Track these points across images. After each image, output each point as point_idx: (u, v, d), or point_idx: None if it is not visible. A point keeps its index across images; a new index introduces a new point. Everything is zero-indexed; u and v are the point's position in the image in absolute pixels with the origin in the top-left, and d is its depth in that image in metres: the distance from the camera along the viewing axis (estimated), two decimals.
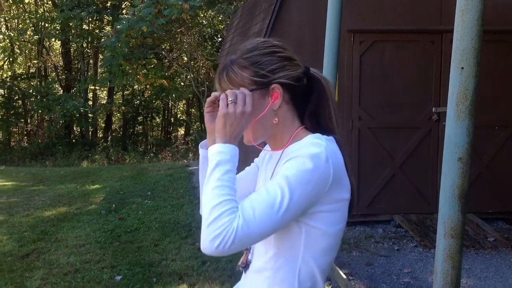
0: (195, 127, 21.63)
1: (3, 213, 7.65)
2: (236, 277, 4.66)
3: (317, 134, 1.45)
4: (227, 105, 1.40)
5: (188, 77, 16.63)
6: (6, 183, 10.98)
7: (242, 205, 1.32)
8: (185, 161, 14.59)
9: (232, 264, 5.01)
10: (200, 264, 5.11)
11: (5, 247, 5.89)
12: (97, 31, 21.31)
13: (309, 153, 1.34)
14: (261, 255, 1.48)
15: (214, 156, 1.37)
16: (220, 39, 17.83)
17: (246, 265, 1.56)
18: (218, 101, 1.44)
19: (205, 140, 1.63)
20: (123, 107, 22.19)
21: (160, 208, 7.55)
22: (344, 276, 4.46)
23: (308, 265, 1.43)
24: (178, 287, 4.54)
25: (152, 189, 9.10)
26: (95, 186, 9.93)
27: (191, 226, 6.44)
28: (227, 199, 1.32)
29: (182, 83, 18.82)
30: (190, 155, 16.42)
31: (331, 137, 1.47)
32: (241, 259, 1.57)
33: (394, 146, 6.28)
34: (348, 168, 1.46)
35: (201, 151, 1.66)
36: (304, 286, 1.43)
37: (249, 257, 1.55)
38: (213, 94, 1.53)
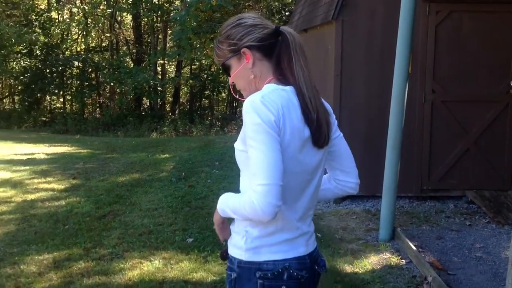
0: None
1: (80, 178, 8.05)
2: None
3: (271, 84, 1.75)
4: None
5: None
6: (82, 151, 11.52)
7: (243, 187, 1.77)
8: None
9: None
10: None
11: (83, 208, 6.22)
12: (167, 5, 21.65)
13: (248, 101, 1.66)
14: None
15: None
16: (287, 13, 17.70)
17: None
18: None
19: None
20: (190, 81, 22.55)
21: (228, 177, 7.70)
22: (414, 248, 4.42)
23: None
24: None
25: (220, 160, 9.28)
26: (165, 156, 10.24)
27: None
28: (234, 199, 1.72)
29: None
30: None
31: (288, 87, 1.73)
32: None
33: (469, 120, 6.09)
34: (309, 109, 1.70)
35: None
36: None
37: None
38: None
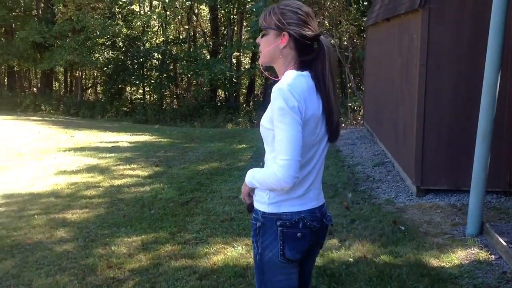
0: None
1: (162, 165, 8.32)
2: (388, 237, 4.66)
3: (292, 71, 2.10)
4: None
5: (332, 42, 16.46)
6: (162, 140, 11.90)
7: (267, 160, 2.14)
8: None
9: (382, 224, 5.01)
10: (349, 222, 5.16)
11: (167, 194, 6.43)
12: None
13: (277, 88, 2.01)
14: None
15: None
16: (365, 3, 17.37)
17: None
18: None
19: None
20: (266, 72, 22.68)
21: None
22: (504, 243, 4.25)
23: None
24: (329, 241, 4.63)
25: None
26: (242, 146, 10.39)
27: (337, 187, 6.51)
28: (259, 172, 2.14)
29: None
30: None
31: (305, 72, 2.10)
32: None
33: None
34: (322, 90, 2.09)
35: None
36: None
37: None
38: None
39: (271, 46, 2.14)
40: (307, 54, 2.13)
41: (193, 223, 5.29)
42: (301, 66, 2.12)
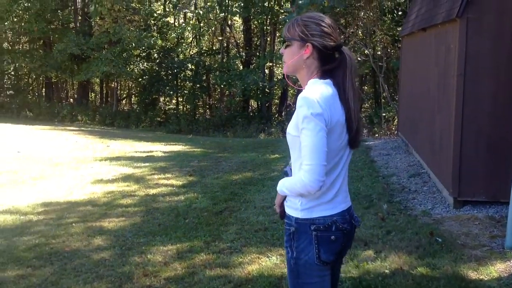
0: (367, 105, 21.36)
1: (196, 175, 8.38)
2: (425, 249, 4.58)
3: (315, 79, 2.21)
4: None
5: (366, 52, 16.36)
6: (196, 150, 12.00)
7: (294, 168, 2.24)
8: None
9: (418, 236, 4.93)
10: (384, 233, 5.10)
11: (201, 204, 6.47)
12: (277, 7, 21.95)
13: (302, 97, 2.11)
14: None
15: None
16: (400, 13, 17.23)
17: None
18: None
19: None
20: (299, 83, 22.69)
21: None
22: None
23: None
24: (364, 252, 4.59)
25: None
26: (275, 156, 10.38)
27: (372, 197, 6.44)
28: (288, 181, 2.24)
29: (358, 59, 18.62)
30: (365, 131, 16.27)
31: (328, 80, 2.20)
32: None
33: None
34: (342, 98, 2.18)
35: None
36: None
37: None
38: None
39: (295, 57, 2.24)
40: (329, 63, 2.23)
41: (227, 233, 5.31)
42: (323, 75, 2.22)
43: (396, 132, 12.30)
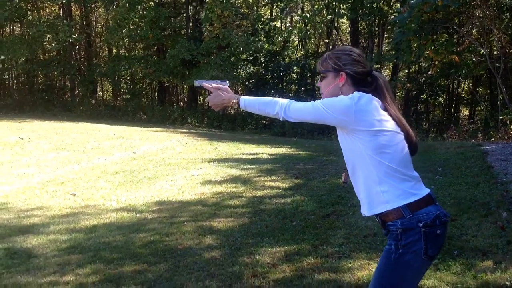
0: (482, 107, 20.16)
1: (302, 178, 8.37)
2: None
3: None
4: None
5: (482, 52, 15.48)
6: (301, 152, 12.01)
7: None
8: (473, 141, 13.75)
9: None
10: (504, 243, 4.76)
11: (308, 207, 6.44)
12: (386, 8, 21.42)
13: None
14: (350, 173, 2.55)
15: None
16: None
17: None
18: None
19: None
20: (408, 84, 21.98)
21: (454, 185, 7.27)
22: None
23: (373, 158, 2.39)
24: (482, 262, 4.32)
25: (443, 166, 8.83)
26: None
27: (490, 205, 6.04)
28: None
29: (473, 59, 17.66)
30: (480, 134, 15.38)
31: (369, 94, 2.38)
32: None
33: None
34: (388, 109, 2.40)
35: None
36: (380, 171, 2.41)
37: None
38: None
39: (331, 86, 2.48)
40: (364, 87, 2.44)
41: (335, 237, 5.23)
42: None
43: None
